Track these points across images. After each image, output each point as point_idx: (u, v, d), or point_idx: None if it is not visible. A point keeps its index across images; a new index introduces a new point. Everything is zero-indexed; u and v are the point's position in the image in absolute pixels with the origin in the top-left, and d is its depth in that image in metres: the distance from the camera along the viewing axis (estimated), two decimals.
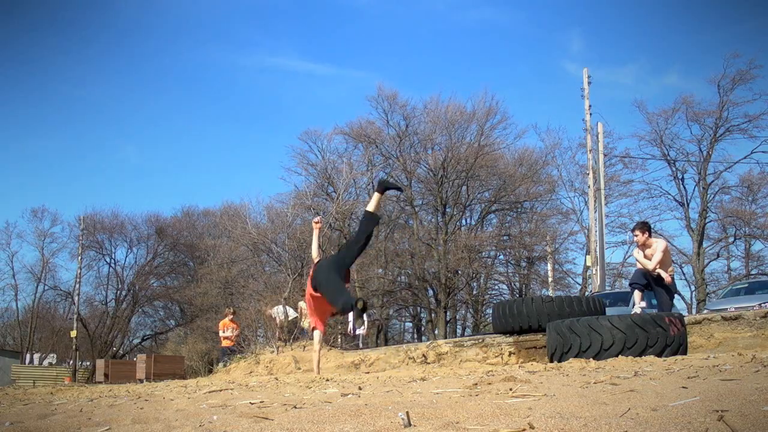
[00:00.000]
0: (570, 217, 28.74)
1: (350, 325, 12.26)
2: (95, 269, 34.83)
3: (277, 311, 12.38)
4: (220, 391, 3.93)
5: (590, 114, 21.38)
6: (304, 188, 26.31)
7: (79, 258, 31.44)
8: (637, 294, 7.63)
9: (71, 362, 29.74)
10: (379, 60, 54.01)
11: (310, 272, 6.13)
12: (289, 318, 12.51)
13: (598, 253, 20.14)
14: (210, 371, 16.20)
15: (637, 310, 7.38)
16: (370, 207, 6.19)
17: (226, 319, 14.10)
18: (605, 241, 21.42)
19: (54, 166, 55.33)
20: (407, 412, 1.92)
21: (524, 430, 1.71)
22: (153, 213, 37.54)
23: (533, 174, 27.62)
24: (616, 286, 24.85)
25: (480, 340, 7.93)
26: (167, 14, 54.57)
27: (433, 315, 25.75)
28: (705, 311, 12.72)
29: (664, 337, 5.66)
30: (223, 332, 13.92)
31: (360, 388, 3.43)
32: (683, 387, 2.47)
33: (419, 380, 4.03)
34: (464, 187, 26.81)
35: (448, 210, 26.69)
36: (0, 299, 44.86)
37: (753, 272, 27.20)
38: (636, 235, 7.63)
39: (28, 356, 32.79)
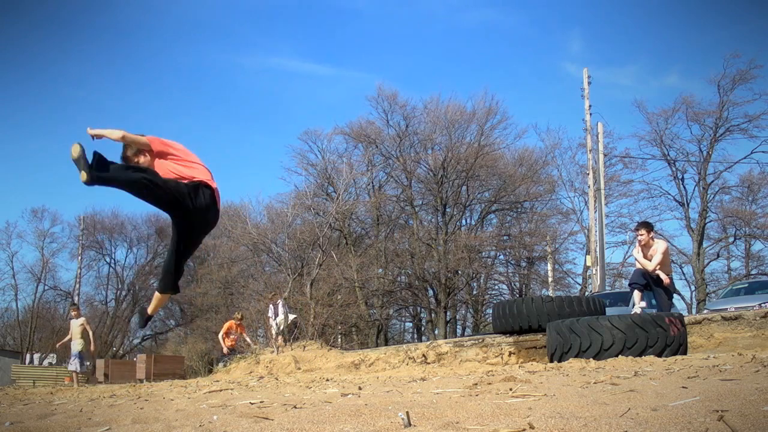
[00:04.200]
0: (570, 217, 28.77)
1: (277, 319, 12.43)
2: (95, 269, 34.89)
3: (278, 320, 12.40)
4: (220, 391, 3.93)
5: (590, 114, 21.40)
6: (304, 188, 26.34)
7: (79, 258, 31.48)
8: (636, 294, 7.63)
9: (85, 363, 29.70)
10: (379, 60, 53.98)
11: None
12: (290, 319, 12.53)
13: (598, 253, 20.13)
14: (210, 371, 16.21)
15: (637, 310, 7.38)
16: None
17: (233, 322, 14.13)
18: (605, 241, 21.42)
19: (54, 166, 55.38)
20: (407, 412, 1.92)
21: (524, 430, 1.71)
22: (153, 213, 37.45)
23: (533, 174, 27.62)
24: (616, 286, 24.85)
25: (480, 340, 7.93)
26: (167, 15, 54.55)
27: (433, 315, 25.75)
28: (705, 311, 12.71)
29: (664, 337, 5.66)
30: (227, 334, 13.84)
31: (360, 388, 3.42)
32: (683, 387, 2.47)
33: (419, 380, 4.03)
34: (464, 187, 26.81)
35: (448, 210, 26.69)
36: (0, 299, 44.87)
37: (753, 272, 27.19)
38: (641, 234, 7.63)
39: (28, 356, 32.80)
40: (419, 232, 26.18)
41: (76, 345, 12.42)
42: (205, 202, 4.34)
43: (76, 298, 31.51)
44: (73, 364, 12.37)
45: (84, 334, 12.41)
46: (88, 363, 12.72)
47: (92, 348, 12.71)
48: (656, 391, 2.41)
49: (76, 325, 12.56)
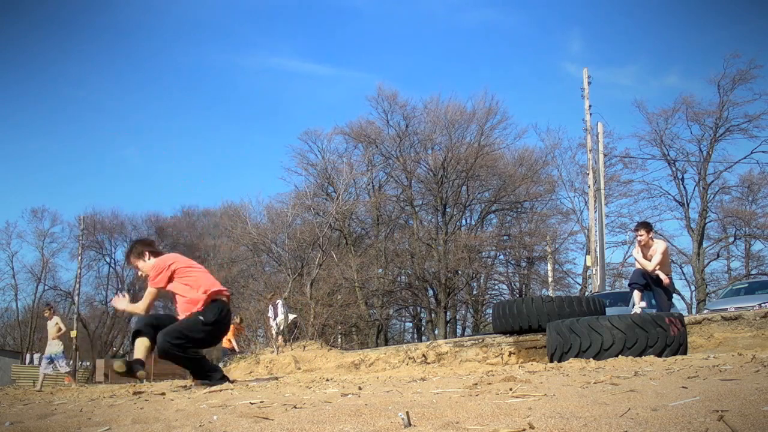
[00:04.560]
0: (570, 217, 28.79)
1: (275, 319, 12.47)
2: (95, 269, 34.93)
3: (277, 320, 12.43)
4: (220, 391, 3.93)
5: (590, 114, 21.38)
6: (304, 188, 26.36)
7: (79, 258, 31.47)
8: (636, 294, 7.63)
9: (71, 362, 29.71)
10: (379, 60, 54.08)
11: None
12: (290, 319, 12.54)
13: (598, 253, 20.13)
14: None
15: (637, 310, 7.38)
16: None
17: (233, 326, 14.28)
18: (605, 241, 21.42)
19: (54, 166, 55.40)
20: (407, 412, 1.92)
21: (524, 430, 1.71)
22: (153, 213, 37.55)
23: (533, 174, 27.63)
24: (616, 286, 24.85)
25: (480, 340, 7.93)
26: (168, 15, 54.62)
27: (433, 315, 25.76)
28: (705, 311, 12.71)
29: (664, 337, 5.66)
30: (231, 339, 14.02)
31: (360, 388, 3.43)
32: (683, 387, 2.47)
33: (419, 380, 4.03)
34: (464, 187, 26.82)
35: (448, 210, 26.69)
36: (0, 299, 44.87)
37: (753, 272, 27.20)
38: (641, 234, 7.63)
39: (28, 356, 32.82)
40: (419, 232, 26.18)
41: (55, 346, 12.07)
42: (224, 315, 4.73)
43: (76, 298, 31.53)
44: (61, 366, 12.08)
45: (60, 334, 12.08)
46: (71, 362, 12.48)
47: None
48: (656, 391, 2.41)
49: (51, 325, 12.21)
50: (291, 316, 12.74)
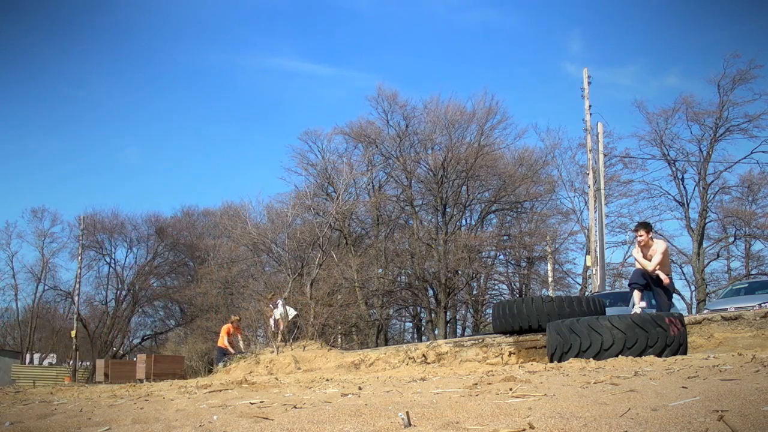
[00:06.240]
0: (570, 217, 28.76)
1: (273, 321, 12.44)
2: (95, 269, 34.92)
3: (278, 312, 12.40)
4: (220, 391, 3.93)
5: (590, 114, 21.37)
6: (304, 188, 26.31)
7: (79, 258, 31.46)
8: (636, 294, 7.63)
9: (71, 362, 29.75)
10: (379, 60, 54.12)
11: None
12: (290, 317, 12.52)
13: (598, 253, 20.13)
14: (210, 371, 16.22)
15: (637, 310, 7.38)
16: None
17: (230, 325, 14.23)
18: (605, 241, 21.41)
19: (54, 166, 55.43)
20: (407, 412, 1.92)
21: (524, 430, 1.71)
22: (153, 213, 37.51)
23: (533, 174, 27.61)
24: (616, 286, 24.84)
25: (480, 340, 7.93)
26: (168, 15, 54.64)
27: (433, 315, 25.75)
28: (705, 311, 12.70)
29: (664, 337, 5.67)
30: (226, 337, 13.99)
31: (360, 388, 3.43)
32: (683, 387, 2.47)
33: (419, 380, 4.03)
34: (464, 187, 26.81)
35: (448, 210, 26.68)
36: (0, 299, 44.91)
37: (753, 272, 27.19)
38: (641, 235, 7.63)
39: (28, 356, 32.83)
40: (419, 232, 26.17)
41: None
42: None
43: (76, 298, 31.54)
44: None
45: None
46: None
47: None
48: (656, 391, 2.41)
49: None
50: (292, 312, 12.71)
